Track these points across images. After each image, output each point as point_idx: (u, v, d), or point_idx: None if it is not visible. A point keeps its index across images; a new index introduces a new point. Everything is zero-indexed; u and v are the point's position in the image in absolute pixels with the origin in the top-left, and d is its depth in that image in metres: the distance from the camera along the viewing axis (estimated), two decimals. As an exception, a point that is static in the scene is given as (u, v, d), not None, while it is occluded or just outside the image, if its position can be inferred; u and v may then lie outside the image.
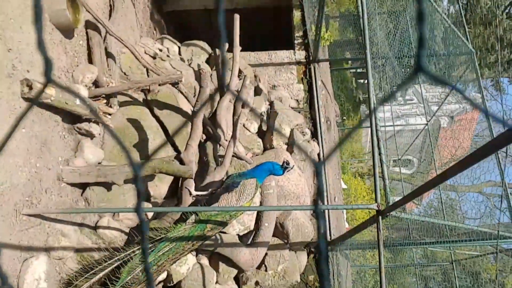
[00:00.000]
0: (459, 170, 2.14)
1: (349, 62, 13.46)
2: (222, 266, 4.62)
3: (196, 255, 4.55)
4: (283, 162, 3.98)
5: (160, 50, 5.56)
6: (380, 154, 3.33)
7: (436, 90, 14.35)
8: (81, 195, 4.01)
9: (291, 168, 4.03)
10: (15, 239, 3.26)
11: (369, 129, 3.86)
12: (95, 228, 4.00)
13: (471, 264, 9.23)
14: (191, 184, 4.00)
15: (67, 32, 4.09)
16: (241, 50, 5.88)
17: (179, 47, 6.21)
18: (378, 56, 9.09)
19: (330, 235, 5.44)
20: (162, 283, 4.37)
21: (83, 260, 3.86)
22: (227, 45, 5.93)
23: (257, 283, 4.81)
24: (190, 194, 3.97)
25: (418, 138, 13.67)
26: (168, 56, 5.50)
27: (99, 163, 4.08)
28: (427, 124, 9.43)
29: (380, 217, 3.20)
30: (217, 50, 5.86)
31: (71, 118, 3.97)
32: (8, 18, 3.37)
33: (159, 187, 4.43)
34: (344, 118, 13.33)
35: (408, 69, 9.38)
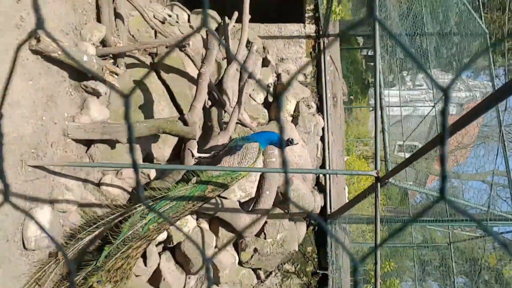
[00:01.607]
0: (460, 127, 2.14)
1: (360, 43, 13.31)
2: (221, 231, 4.69)
3: (197, 219, 4.63)
4: (288, 138, 4.01)
5: (170, 16, 5.52)
6: (382, 122, 3.33)
7: (447, 77, 14.15)
8: (86, 152, 4.06)
9: (293, 144, 4.06)
10: (20, 188, 3.33)
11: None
12: (98, 185, 4.07)
13: (470, 251, 9.27)
14: (194, 146, 4.04)
15: (77, -12, 4.08)
16: (251, 21, 5.84)
17: (189, 15, 6.16)
18: (390, 36, 8.96)
19: (330, 208, 5.49)
20: (162, 244, 4.46)
21: (86, 215, 3.94)
22: (236, 14, 5.89)
23: (255, 250, 4.88)
24: (193, 155, 4.01)
25: (425, 124, 13.56)
26: (177, 22, 5.47)
27: (105, 121, 4.12)
28: (433, 106, 9.34)
29: (379, 184, 3.22)
30: (226, 18, 5.81)
31: (78, 75, 3.99)
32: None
33: (163, 150, 4.47)
34: (352, 97, 13.25)
35: (419, 50, 9.26)
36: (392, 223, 5.45)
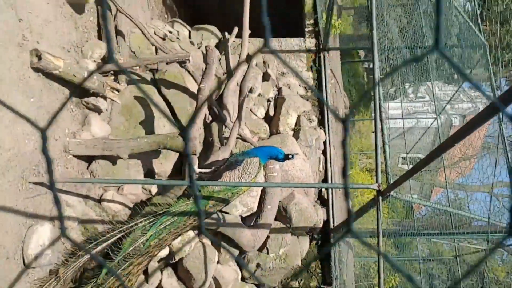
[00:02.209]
0: (455, 141, 2.14)
1: (361, 56, 13.39)
2: (224, 246, 4.65)
3: (199, 234, 4.59)
4: (289, 154, 4.03)
5: (170, 32, 5.59)
6: (383, 135, 3.32)
7: (449, 89, 14.17)
8: (87, 168, 4.07)
9: (292, 158, 4.07)
10: (21, 205, 3.32)
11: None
12: (99, 201, 4.06)
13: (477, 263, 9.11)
14: (194, 162, 4.03)
15: (78, 7, 4.14)
16: (250, 36, 5.89)
17: (189, 31, 6.23)
18: (391, 50, 9.03)
19: (333, 222, 5.44)
20: (164, 260, 4.42)
21: (87, 231, 3.93)
22: (236, 29, 5.96)
23: (258, 265, 4.83)
24: (194, 171, 4.00)
25: (428, 136, 13.52)
26: (177, 38, 5.53)
27: (105, 137, 4.13)
28: (435, 119, 9.33)
29: (380, 197, 3.19)
30: (226, 34, 5.87)
31: (79, 92, 4.03)
32: (20, -12, 3.43)
33: (164, 165, 4.47)
34: (354, 110, 13.25)
35: (419, 63, 9.29)
36: (397, 236, 5.39)
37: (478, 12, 9.12)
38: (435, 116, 10.28)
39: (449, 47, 9.40)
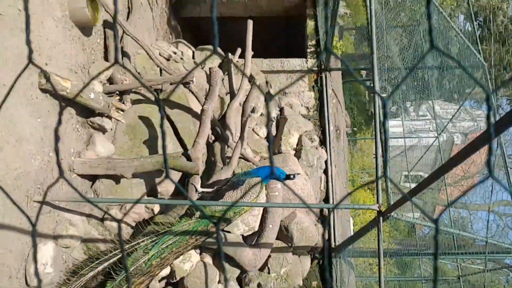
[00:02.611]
0: (459, 162, 2.18)
1: (363, 75, 13.52)
2: (225, 265, 4.65)
3: (200, 253, 4.60)
4: (291, 174, 4.07)
5: (174, 53, 5.70)
6: (383, 156, 3.36)
7: (450, 107, 14.24)
8: (91, 187, 4.12)
9: (294, 178, 4.11)
10: (25, 224, 3.36)
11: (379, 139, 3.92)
12: (102, 220, 4.10)
13: (481, 285, 9.02)
14: (197, 181, 4.08)
15: (86, 30, 4.26)
16: (253, 56, 6.01)
17: (193, 52, 6.36)
18: (392, 69, 9.16)
19: (334, 241, 5.43)
20: (165, 279, 4.42)
21: (89, 251, 3.95)
22: (239, 50, 6.08)
23: (259, 285, 4.82)
24: (196, 190, 4.04)
25: (430, 154, 13.53)
26: (181, 58, 5.64)
27: (109, 156, 4.19)
28: (437, 137, 9.38)
29: (381, 218, 3.22)
30: (230, 55, 5.98)
31: (85, 112, 4.11)
32: (30, 12, 3.54)
33: (166, 184, 4.51)
34: (355, 129, 13.33)
35: (421, 82, 9.40)
36: (399, 256, 5.38)
37: (478, 32, 9.27)
38: (437, 135, 10.33)
39: (449, 67, 9.52)
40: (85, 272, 3.57)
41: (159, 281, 4.34)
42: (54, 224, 3.67)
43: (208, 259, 4.62)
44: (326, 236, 5.45)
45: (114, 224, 4.08)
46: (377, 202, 3.26)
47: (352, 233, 7.61)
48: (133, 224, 4.26)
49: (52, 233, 3.63)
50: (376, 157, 3.42)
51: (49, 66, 3.70)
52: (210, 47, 6.49)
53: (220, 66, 6.36)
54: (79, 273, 3.58)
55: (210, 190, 4.11)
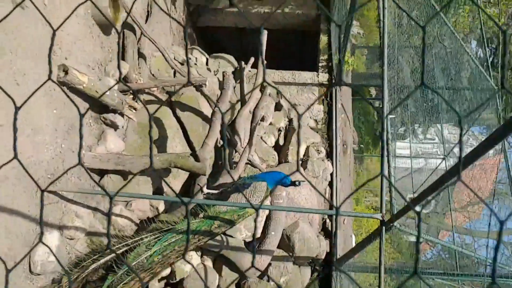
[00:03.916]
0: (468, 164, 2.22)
1: (373, 95, 13.60)
2: (225, 270, 4.66)
3: (201, 256, 4.62)
4: (296, 180, 4.11)
5: (189, 58, 5.82)
6: (389, 166, 3.40)
7: (458, 132, 14.21)
8: (99, 181, 4.18)
9: (299, 185, 4.16)
10: (33, 211, 3.42)
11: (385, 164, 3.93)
12: (107, 214, 4.15)
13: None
14: (203, 182, 4.13)
15: (106, 28, 4.39)
16: (266, 67, 6.12)
17: (207, 59, 6.48)
18: (402, 90, 9.20)
19: (336, 255, 5.42)
20: (165, 280, 4.44)
21: (92, 244, 3.99)
22: (252, 60, 6.19)
23: (258, 292, 4.81)
24: (202, 191, 4.09)
25: (437, 177, 13.45)
26: (195, 64, 5.76)
27: (119, 153, 4.27)
28: (444, 158, 9.35)
29: (384, 227, 3.23)
30: (242, 63, 6.09)
31: (98, 107, 4.20)
32: (55, 8, 3.67)
33: (173, 184, 4.57)
34: (362, 146, 13.34)
35: (430, 104, 9.44)
36: (399, 274, 5.35)
37: (490, 59, 9.34)
38: (443, 157, 10.32)
39: (458, 89, 9.56)
40: (87, 264, 3.60)
41: (159, 280, 4.36)
42: (60, 214, 3.73)
43: (209, 262, 4.63)
44: (328, 249, 5.45)
45: (119, 219, 4.13)
46: (381, 211, 3.28)
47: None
48: (138, 221, 4.30)
49: (58, 223, 3.69)
50: (381, 167, 3.45)
51: (69, 60, 3.81)
52: (224, 55, 6.62)
53: (233, 73, 6.48)
54: (81, 265, 3.61)
55: (215, 191, 4.16)
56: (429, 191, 2.66)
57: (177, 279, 4.37)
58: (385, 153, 3.85)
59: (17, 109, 1.05)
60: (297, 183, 3.98)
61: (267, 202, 4.63)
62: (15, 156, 1.01)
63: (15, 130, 1.05)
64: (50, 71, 1.09)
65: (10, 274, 2.98)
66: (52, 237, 3.51)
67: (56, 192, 3.66)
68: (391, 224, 3.11)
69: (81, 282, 3.65)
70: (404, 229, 3.22)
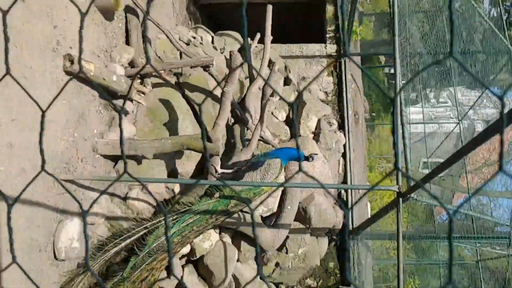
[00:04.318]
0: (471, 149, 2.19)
1: (382, 62, 13.35)
2: (244, 245, 4.75)
3: (219, 233, 4.71)
4: (310, 154, 4.11)
5: (194, 38, 5.75)
6: (403, 137, 3.36)
7: (472, 94, 13.94)
8: (113, 167, 4.24)
9: (312, 160, 4.15)
10: (52, 201, 3.51)
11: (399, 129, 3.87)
12: (124, 198, 4.22)
13: (501, 270, 8.89)
14: (217, 162, 4.16)
15: (108, 14, 4.34)
16: (272, 42, 6.01)
17: (213, 37, 6.39)
18: (412, 56, 9.01)
19: (352, 223, 5.47)
20: (186, 257, 4.55)
21: (112, 228, 4.09)
22: (259, 35, 6.08)
23: (277, 264, 4.91)
24: (216, 171, 4.12)
25: (450, 141, 13.31)
26: (201, 43, 5.69)
27: (131, 138, 4.30)
28: (457, 123, 9.21)
29: (400, 199, 3.23)
30: (249, 39, 6.00)
31: (107, 94, 4.21)
32: (55, -4, 3.64)
33: (186, 165, 4.61)
34: (373, 114, 13.21)
35: (442, 67, 9.24)
36: (417, 239, 5.38)
37: (504, 17, 9.02)
38: (457, 121, 10.16)
39: (471, 52, 9.32)
40: (109, 248, 3.70)
41: (180, 258, 4.47)
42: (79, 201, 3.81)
43: (227, 239, 4.72)
44: (343, 219, 5.48)
45: (136, 203, 4.20)
46: (397, 183, 3.27)
47: (369, 216, 7.61)
48: (154, 203, 4.37)
49: (78, 210, 3.77)
50: (396, 137, 3.42)
51: (74, 49, 3.80)
52: (229, 32, 6.52)
53: (239, 51, 6.40)
54: (103, 249, 3.71)
55: (229, 171, 4.18)
56: (443, 166, 2.63)
57: (197, 256, 4.47)
58: (399, 117, 3.81)
59: (43, 113, 1.06)
60: (310, 158, 3.97)
61: (282, 177, 4.65)
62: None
63: (42, 129, 1.06)
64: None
65: (36, 261, 3.06)
66: (73, 224, 3.60)
67: (73, 180, 3.73)
68: (408, 196, 3.10)
69: (105, 265, 3.77)
70: (421, 199, 3.21)
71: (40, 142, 1.06)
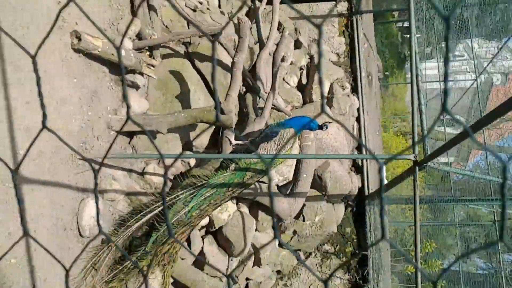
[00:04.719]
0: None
1: (395, 15, 12.82)
2: (261, 214, 4.81)
3: (237, 203, 4.76)
4: (324, 123, 4.04)
5: (200, 3, 5.56)
6: (419, 104, 3.27)
7: (490, 45, 13.43)
8: (129, 143, 4.25)
9: (326, 129, 4.09)
10: (72, 180, 3.56)
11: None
12: (142, 174, 4.26)
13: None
14: (230, 134, 4.13)
15: (111, -15, 4.19)
16: (281, 2, 5.78)
17: (219, 0, 6.17)
18: (427, 8, 8.63)
19: (368, 189, 5.48)
20: (205, 228, 4.64)
21: (132, 203, 4.16)
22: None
23: (295, 232, 4.99)
24: (230, 143, 4.10)
25: (467, 97, 13.01)
26: (208, 9, 5.50)
27: (144, 113, 4.28)
28: (475, 80, 8.94)
29: (417, 168, 3.19)
30: (257, 1, 5.79)
31: (117, 70, 4.15)
32: (56, -29, 3.50)
33: (201, 137, 4.60)
34: (387, 73, 12.87)
35: (458, 21, 8.87)
36: (434, 203, 5.39)
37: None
38: (474, 76, 9.87)
39: (491, 2, 8.91)
40: (131, 224, 3.78)
41: (199, 229, 4.57)
42: (98, 179, 3.85)
43: (245, 209, 4.79)
44: (360, 184, 5.49)
45: (154, 178, 4.24)
46: (413, 152, 3.21)
47: (385, 181, 7.64)
48: (171, 177, 4.41)
49: (98, 188, 3.83)
50: (412, 103, 3.33)
51: (79, 25, 3.71)
52: None
53: (247, 14, 6.19)
54: (125, 225, 3.79)
55: (244, 142, 4.16)
56: (461, 137, 2.55)
57: (216, 227, 4.56)
58: (414, 78, 3.70)
59: (34, 60, 1.00)
60: (324, 127, 3.91)
61: (296, 145, 4.63)
62: (44, 126, 0.97)
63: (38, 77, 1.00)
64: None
65: (63, 239, 3.13)
66: (95, 203, 3.66)
67: (91, 159, 3.76)
68: (425, 165, 3.06)
69: (128, 239, 3.87)
70: (438, 167, 3.16)
71: (40, 94, 0.99)
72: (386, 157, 4.01)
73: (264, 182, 4.67)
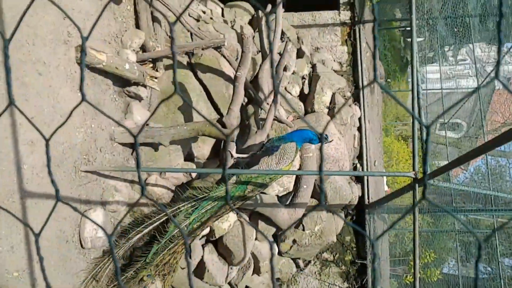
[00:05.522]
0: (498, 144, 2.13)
1: (398, 22, 12.79)
2: (261, 224, 4.87)
3: (237, 213, 4.81)
4: (325, 135, 4.08)
5: (204, 12, 5.60)
6: (419, 109, 3.30)
7: (492, 49, 13.40)
8: (131, 154, 4.30)
9: (328, 142, 4.13)
10: (75, 192, 3.61)
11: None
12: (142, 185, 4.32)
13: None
14: (232, 147, 4.18)
15: (116, -2, 4.24)
16: (284, 11, 5.82)
17: (222, 9, 6.22)
18: (430, 15, 8.65)
19: (368, 198, 5.52)
20: (205, 237, 4.70)
21: (134, 213, 4.22)
22: (270, 6, 5.88)
23: (294, 241, 5.04)
24: (232, 156, 4.15)
25: (469, 101, 13.00)
26: (211, 18, 5.55)
27: (147, 124, 4.33)
28: (477, 88, 8.92)
29: (417, 185, 3.22)
30: (259, 11, 5.82)
31: (121, 82, 4.20)
32: (62, -14, 3.55)
33: (202, 148, 4.65)
34: (389, 80, 12.87)
35: (461, 28, 8.89)
36: (433, 212, 5.42)
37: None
38: (477, 82, 9.87)
39: (494, 6, 8.94)
40: (132, 236, 3.84)
41: (200, 238, 4.62)
42: (101, 191, 3.92)
43: (245, 218, 4.83)
44: (360, 193, 5.53)
45: (155, 189, 4.30)
46: (413, 169, 3.25)
47: (385, 187, 7.68)
48: (173, 188, 4.47)
49: (100, 199, 3.88)
50: (413, 123, 3.36)
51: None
52: (239, 3, 6.32)
53: (250, 23, 6.23)
54: (127, 237, 3.85)
55: (245, 155, 4.21)
56: (464, 159, 2.59)
57: (217, 237, 4.62)
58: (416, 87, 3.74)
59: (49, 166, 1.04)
60: (325, 140, 3.95)
61: (297, 157, 4.67)
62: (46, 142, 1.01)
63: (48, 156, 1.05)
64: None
65: (65, 251, 3.20)
66: (97, 214, 3.72)
67: (94, 171, 3.81)
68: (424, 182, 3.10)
69: (129, 250, 3.93)
70: (438, 184, 3.20)
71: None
72: (385, 174, 4.06)
73: (265, 193, 4.72)
